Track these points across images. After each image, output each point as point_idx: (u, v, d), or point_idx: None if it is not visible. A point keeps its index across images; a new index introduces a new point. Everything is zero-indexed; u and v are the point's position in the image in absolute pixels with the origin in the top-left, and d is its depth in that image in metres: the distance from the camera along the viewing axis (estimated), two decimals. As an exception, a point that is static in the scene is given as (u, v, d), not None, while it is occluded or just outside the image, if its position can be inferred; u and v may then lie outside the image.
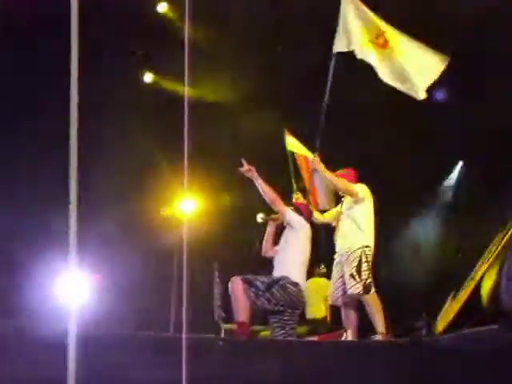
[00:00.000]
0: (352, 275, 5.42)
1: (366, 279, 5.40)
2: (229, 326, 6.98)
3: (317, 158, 5.80)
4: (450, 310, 6.99)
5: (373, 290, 5.44)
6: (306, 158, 6.05)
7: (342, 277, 5.58)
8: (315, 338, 7.24)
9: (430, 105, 6.74)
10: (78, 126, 1.68)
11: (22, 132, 8.11)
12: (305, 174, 6.10)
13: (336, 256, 5.74)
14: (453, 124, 8.45)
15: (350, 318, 5.64)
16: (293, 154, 6.20)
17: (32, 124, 8.13)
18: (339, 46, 5.97)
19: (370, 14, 5.95)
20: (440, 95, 8.53)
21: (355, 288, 5.40)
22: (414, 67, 5.76)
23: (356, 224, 5.59)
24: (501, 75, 7.72)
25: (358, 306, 5.61)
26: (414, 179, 8.94)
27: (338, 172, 5.93)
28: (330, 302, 5.75)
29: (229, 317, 6.42)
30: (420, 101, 5.80)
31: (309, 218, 5.64)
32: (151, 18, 8.96)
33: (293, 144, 6.20)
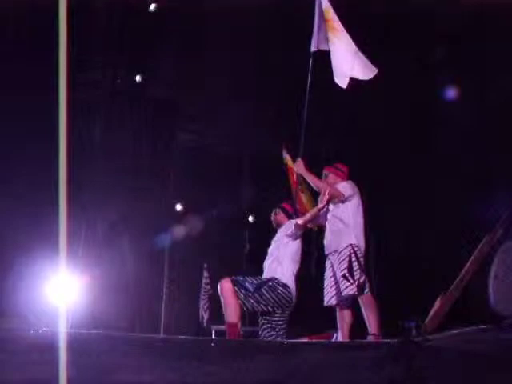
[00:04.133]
0: (345, 276, 5.41)
1: (359, 279, 5.40)
2: (219, 327, 6.97)
3: (300, 162, 5.79)
4: (439, 310, 7.02)
5: (367, 289, 5.45)
6: (292, 170, 6.39)
7: (333, 276, 5.59)
8: (305, 339, 7.24)
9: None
10: (67, 125, 1.68)
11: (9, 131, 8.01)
12: (292, 185, 6.51)
13: (326, 256, 5.76)
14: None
15: (344, 317, 5.63)
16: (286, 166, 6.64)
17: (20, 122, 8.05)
18: (313, 44, 6.02)
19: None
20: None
21: (349, 289, 5.40)
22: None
23: (343, 223, 5.59)
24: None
25: (353, 305, 5.61)
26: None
27: (330, 167, 5.96)
28: (324, 303, 5.73)
29: (218, 318, 6.41)
30: None
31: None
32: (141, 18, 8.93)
33: (287, 158, 6.67)
